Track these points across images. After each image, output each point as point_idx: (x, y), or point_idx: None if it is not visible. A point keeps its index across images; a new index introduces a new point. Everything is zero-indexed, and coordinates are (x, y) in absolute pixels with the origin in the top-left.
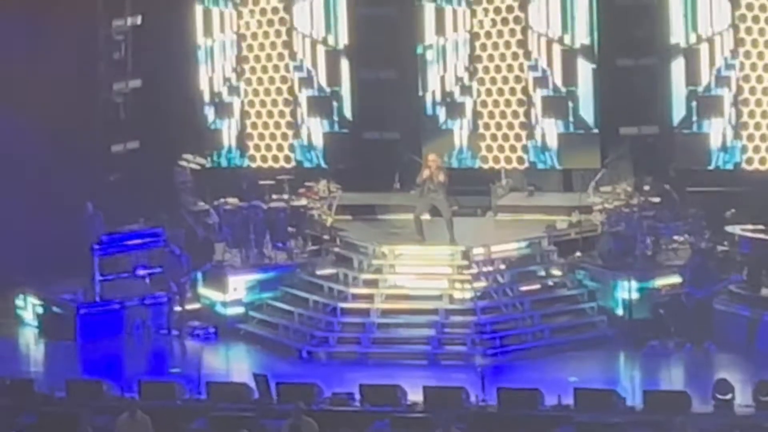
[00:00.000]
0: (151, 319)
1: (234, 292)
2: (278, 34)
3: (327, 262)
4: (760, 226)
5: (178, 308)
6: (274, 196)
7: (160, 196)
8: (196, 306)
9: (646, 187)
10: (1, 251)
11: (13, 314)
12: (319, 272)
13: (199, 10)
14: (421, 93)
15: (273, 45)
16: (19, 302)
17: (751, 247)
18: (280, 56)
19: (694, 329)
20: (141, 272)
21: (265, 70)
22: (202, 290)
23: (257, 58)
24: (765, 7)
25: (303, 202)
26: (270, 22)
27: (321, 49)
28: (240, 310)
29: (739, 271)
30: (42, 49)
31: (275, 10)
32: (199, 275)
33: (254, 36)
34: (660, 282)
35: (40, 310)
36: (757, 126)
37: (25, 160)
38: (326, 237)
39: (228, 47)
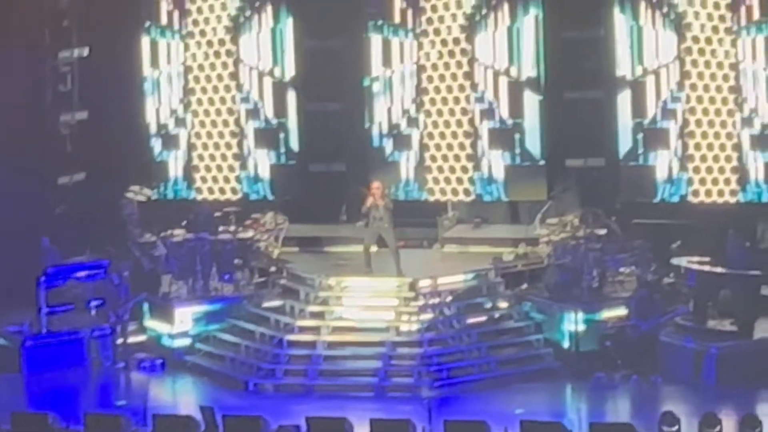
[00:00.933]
0: (97, 351)
1: (180, 324)
2: (225, 65)
3: (273, 294)
4: (706, 259)
5: (120, 340)
6: (221, 228)
7: (106, 228)
8: (142, 338)
9: (592, 220)
10: None
11: None
12: (265, 304)
13: (145, 41)
14: (367, 125)
15: (219, 77)
16: None
17: (697, 280)
18: (227, 88)
19: (640, 362)
20: (91, 304)
21: (211, 101)
22: (149, 322)
23: (204, 90)
24: (710, 40)
25: (250, 234)
26: (217, 54)
27: (268, 81)
28: (186, 342)
29: (685, 303)
30: None
31: (222, 42)
32: (146, 307)
33: (201, 67)
34: (606, 314)
35: None
36: (703, 158)
37: None
38: (273, 269)
39: (174, 79)
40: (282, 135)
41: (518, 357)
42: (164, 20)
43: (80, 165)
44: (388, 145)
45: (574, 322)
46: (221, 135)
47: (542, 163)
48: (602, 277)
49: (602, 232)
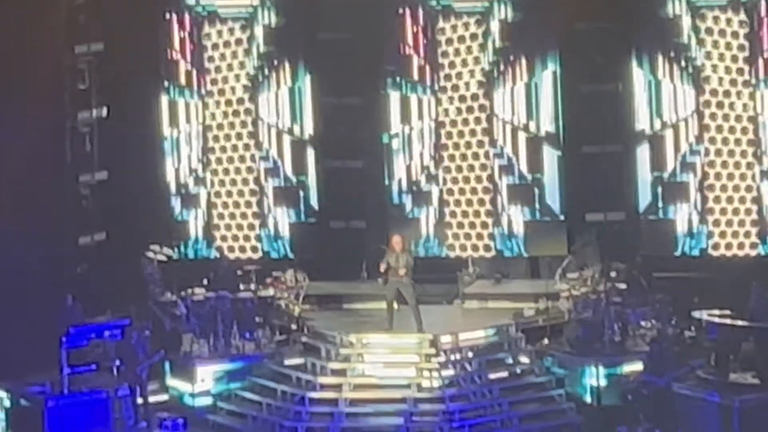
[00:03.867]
0: (120, 411)
1: (202, 382)
2: (244, 124)
3: (295, 351)
4: (727, 312)
5: (140, 399)
6: (242, 287)
7: (127, 288)
8: (164, 397)
9: (613, 274)
10: None
11: None
12: (287, 362)
13: (164, 101)
14: (387, 182)
15: (239, 135)
16: None
17: (719, 332)
18: (246, 146)
19: (662, 416)
20: (113, 364)
21: (231, 160)
22: (170, 381)
23: (223, 149)
24: (729, 93)
25: (270, 292)
26: (235, 113)
27: (287, 139)
28: (208, 400)
29: (706, 357)
30: (6, 140)
31: (240, 101)
32: (167, 366)
33: (220, 126)
34: (627, 368)
35: (7, 403)
36: (723, 211)
37: None
38: (294, 327)
39: (194, 138)
40: (301, 193)
41: (540, 412)
42: (183, 80)
43: (101, 225)
44: (408, 202)
45: (595, 376)
46: (241, 193)
47: (562, 218)
48: (623, 330)
49: (623, 286)
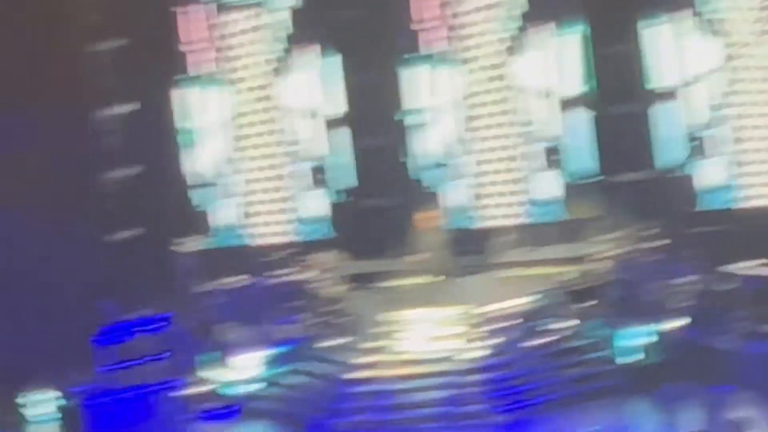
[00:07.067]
0: (166, 404)
1: (244, 370)
2: (271, 109)
3: (334, 333)
4: (764, 261)
5: (188, 391)
6: (278, 271)
7: (162, 281)
8: (208, 387)
9: (647, 232)
10: (10, 348)
11: (16, 412)
12: (327, 344)
13: (190, 92)
14: (411, 158)
15: (267, 120)
16: (23, 400)
17: (758, 284)
18: (275, 132)
19: (706, 371)
20: (156, 357)
21: (261, 146)
22: (213, 371)
23: (252, 136)
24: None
25: (306, 274)
26: (262, 98)
27: (315, 121)
28: (251, 387)
29: (745, 310)
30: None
31: (266, 86)
32: (206, 357)
33: (247, 113)
34: (669, 326)
35: (51, 404)
36: (752, 163)
37: (27, 254)
38: (332, 308)
39: (222, 127)
40: (331, 173)
41: (585, 375)
42: (208, 69)
43: (129, 221)
44: (437, 176)
45: (638, 335)
46: (272, 178)
47: (593, 179)
48: (663, 288)
49: (659, 243)
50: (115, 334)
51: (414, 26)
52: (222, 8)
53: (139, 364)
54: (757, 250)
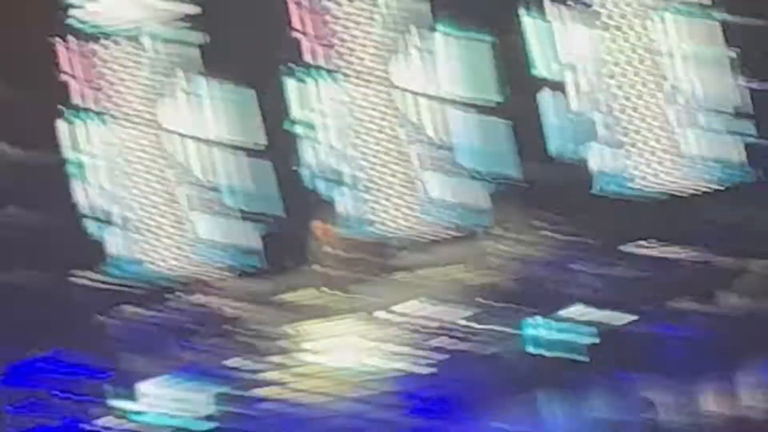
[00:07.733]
0: None
1: (151, 398)
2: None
3: (234, 352)
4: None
5: (98, 422)
6: (170, 297)
7: (61, 315)
8: (116, 418)
9: (538, 224)
10: None
11: None
12: (226, 363)
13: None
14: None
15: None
16: None
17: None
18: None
19: (616, 356)
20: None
21: None
22: (113, 401)
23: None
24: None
25: (202, 298)
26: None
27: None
28: (153, 416)
29: (650, 292)
30: None
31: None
32: (113, 387)
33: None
34: (577, 313)
35: None
36: (633, 145)
37: None
38: (229, 327)
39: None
40: (223, 193)
41: (496, 372)
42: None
43: (20, 258)
44: (330, 185)
45: (541, 328)
46: (163, 202)
47: (479, 177)
48: (566, 277)
49: (557, 231)
50: (18, 375)
51: (295, 36)
52: (96, 39)
53: (46, 402)
54: (656, 231)
